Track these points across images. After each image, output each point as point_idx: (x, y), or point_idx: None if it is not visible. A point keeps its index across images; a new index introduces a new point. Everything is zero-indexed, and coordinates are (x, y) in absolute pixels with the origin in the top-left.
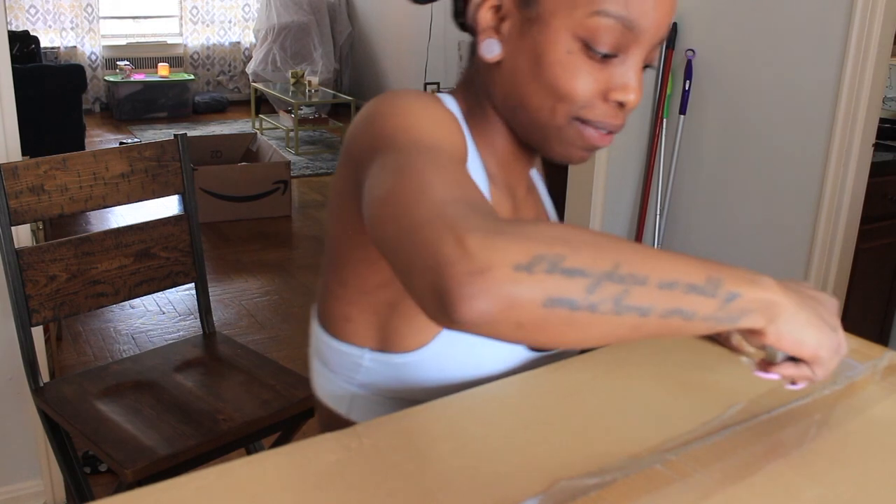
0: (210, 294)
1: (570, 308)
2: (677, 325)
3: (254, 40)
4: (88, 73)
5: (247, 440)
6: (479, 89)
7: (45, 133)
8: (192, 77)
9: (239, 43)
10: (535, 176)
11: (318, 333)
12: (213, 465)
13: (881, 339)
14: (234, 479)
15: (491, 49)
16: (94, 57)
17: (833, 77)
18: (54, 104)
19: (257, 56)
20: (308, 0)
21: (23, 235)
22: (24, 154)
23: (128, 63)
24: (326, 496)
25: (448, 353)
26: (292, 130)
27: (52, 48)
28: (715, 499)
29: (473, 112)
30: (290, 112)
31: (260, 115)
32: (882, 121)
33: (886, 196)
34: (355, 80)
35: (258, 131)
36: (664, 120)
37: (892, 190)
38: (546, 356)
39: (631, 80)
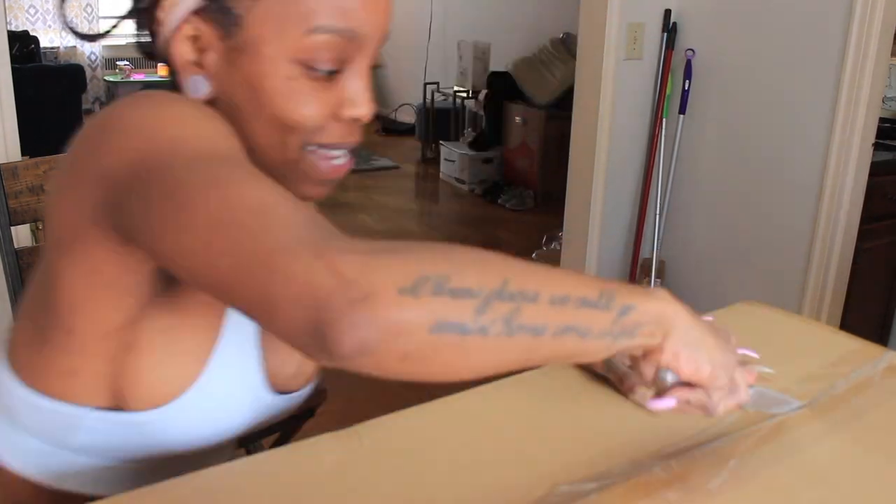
0: None
1: (459, 333)
2: (573, 344)
3: None
4: (88, 73)
5: (247, 440)
6: None
7: (45, 133)
8: None
9: None
10: None
11: (9, 388)
12: (213, 465)
13: (881, 339)
14: (234, 479)
15: (197, 88)
16: (93, 57)
17: (833, 77)
18: (54, 104)
19: None
20: None
21: (23, 235)
22: (23, 154)
23: (128, 63)
24: (326, 496)
25: (198, 408)
26: None
27: (52, 48)
28: (714, 502)
29: None
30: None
31: None
32: (882, 120)
33: (886, 196)
34: None
35: None
36: (664, 120)
37: (892, 189)
38: (290, 399)
39: (360, 93)
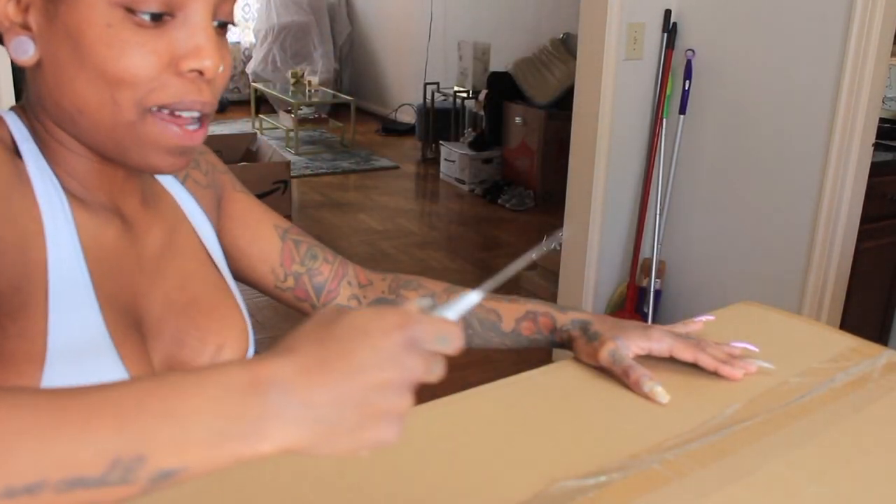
0: None
1: None
2: None
3: (254, 40)
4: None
5: None
6: (34, 103)
7: None
8: None
9: (239, 43)
10: (170, 181)
11: None
12: None
13: (881, 338)
14: (234, 479)
15: (22, 49)
16: None
17: (833, 77)
18: None
19: (257, 56)
20: (308, 0)
21: None
22: None
23: None
24: (326, 497)
25: None
26: (292, 130)
27: None
28: (713, 498)
29: (37, 130)
30: (289, 112)
31: (260, 115)
32: (882, 121)
33: (886, 196)
34: (355, 80)
35: (258, 131)
36: (664, 120)
37: (892, 190)
38: None
39: (202, 40)
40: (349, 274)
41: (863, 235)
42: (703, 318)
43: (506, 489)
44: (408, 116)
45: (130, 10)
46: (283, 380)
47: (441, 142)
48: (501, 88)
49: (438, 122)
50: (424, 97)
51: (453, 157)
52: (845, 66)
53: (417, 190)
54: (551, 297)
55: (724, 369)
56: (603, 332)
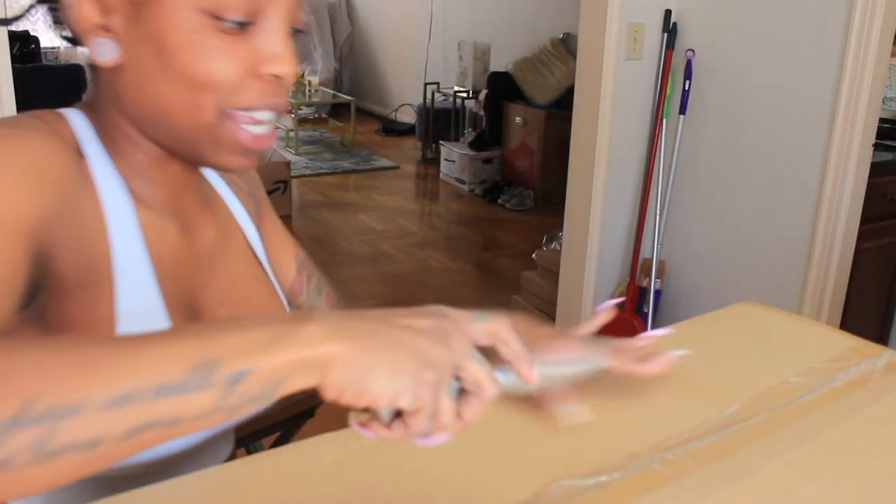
0: None
1: None
2: (160, 434)
3: None
4: (88, 72)
5: (247, 440)
6: (106, 102)
7: None
8: None
9: None
10: (219, 183)
11: None
12: (213, 465)
13: (881, 338)
14: (234, 479)
15: (103, 50)
16: None
17: (833, 77)
18: (54, 104)
19: None
20: (308, 0)
21: None
22: None
23: None
24: (326, 497)
25: None
26: (292, 130)
27: (53, 48)
28: (713, 498)
29: (107, 129)
30: (290, 112)
31: None
32: (882, 121)
33: (886, 196)
34: (355, 80)
35: None
36: (664, 120)
37: (892, 190)
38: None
39: (280, 46)
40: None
41: (863, 236)
42: (661, 331)
43: (506, 489)
44: (408, 116)
45: (216, 17)
46: (327, 314)
47: (441, 142)
48: (501, 88)
49: (438, 122)
50: (424, 97)
51: (453, 157)
52: (845, 65)
53: (417, 190)
54: (551, 296)
55: (638, 368)
56: None
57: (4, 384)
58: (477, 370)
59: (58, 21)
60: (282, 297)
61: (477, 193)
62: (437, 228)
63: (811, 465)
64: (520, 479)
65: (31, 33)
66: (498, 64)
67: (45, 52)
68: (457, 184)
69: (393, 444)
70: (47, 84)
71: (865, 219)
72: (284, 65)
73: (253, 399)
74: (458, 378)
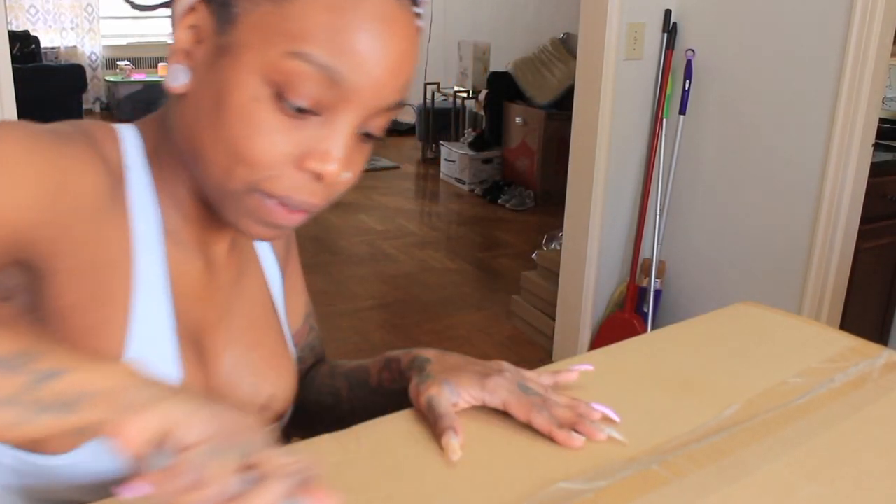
0: None
1: None
2: None
3: None
4: (88, 73)
5: None
6: (167, 125)
7: None
8: None
9: None
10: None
11: None
12: None
13: (881, 338)
14: None
15: (176, 77)
16: (94, 57)
17: (833, 77)
18: (54, 104)
19: None
20: None
21: None
22: None
23: (128, 63)
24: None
25: (104, 451)
26: None
27: (53, 48)
28: (712, 499)
29: (160, 151)
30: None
31: None
32: (882, 121)
33: (886, 196)
34: None
35: None
36: (664, 120)
37: (892, 190)
38: None
39: (334, 146)
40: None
41: (863, 235)
42: (581, 367)
43: (505, 490)
44: (408, 116)
45: (280, 94)
46: (199, 403)
47: (441, 142)
48: (501, 88)
49: (438, 122)
50: (424, 97)
51: (453, 157)
52: (845, 65)
53: (417, 190)
54: (551, 296)
55: (559, 435)
56: (434, 375)
57: None
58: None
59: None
60: (290, 347)
61: (477, 193)
62: (437, 228)
63: (810, 466)
64: (518, 482)
65: (32, 33)
66: (498, 64)
67: (46, 52)
68: (457, 184)
69: (391, 446)
70: (47, 84)
71: (865, 219)
72: (330, 163)
73: (54, 405)
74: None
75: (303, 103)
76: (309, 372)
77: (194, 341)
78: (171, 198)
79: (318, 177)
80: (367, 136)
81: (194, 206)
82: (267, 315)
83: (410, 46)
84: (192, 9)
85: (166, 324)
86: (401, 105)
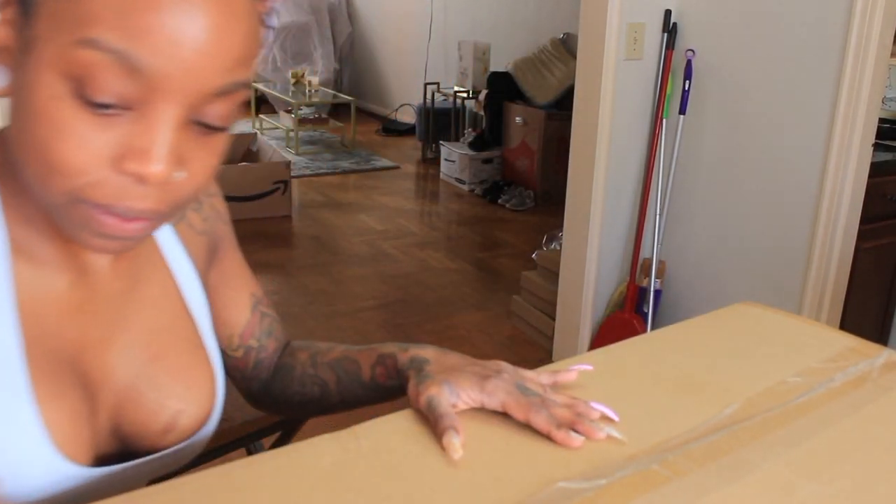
0: None
1: None
2: None
3: None
4: None
5: (247, 440)
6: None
7: None
8: None
9: None
10: (164, 232)
11: None
12: (213, 466)
13: (881, 338)
14: (234, 480)
15: (1, 79)
16: None
17: (833, 77)
18: None
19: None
20: (308, 0)
21: None
22: None
23: None
24: (325, 497)
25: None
26: (292, 130)
27: None
28: (712, 498)
29: (7, 167)
30: (290, 112)
31: (260, 115)
32: (882, 121)
33: (886, 196)
34: (355, 80)
35: (258, 131)
36: (664, 120)
37: (892, 190)
38: (159, 457)
39: (152, 144)
40: (287, 348)
41: (863, 235)
42: (581, 367)
43: (505, 490)
44: (408, 116)
45: (80, 90)
46: None
47: (441, 142)
48: (501, 88)
49: (438, 122)
50: (424, 97)
51: (453, 157)
52: (845, 66)
53: (417, 190)
54: (551, 296)
55: (558, 435)
56: (433, 375)
57: None
58: None
59: None
60: (211, 354)
61: (477, 193)
62: (437, 228)
63: (810, 465)
64: (518, 482)
65: None
66: (498, 64)
67: None
68: (457, 184)
69: (391, 445)
70: None
71: (865, 219)
72: (152, 164)
73: None
74: None
75: (104, 98)
76: (282, 359)
77: (69, 364)
78: (21, 215)
79: (141, 179)
80: (209, 128)
81: (47, 221)
82: (175, 323)
83: (228, 18)
84: (7, 2)
85: (11, 346)
86: (241, 86)
